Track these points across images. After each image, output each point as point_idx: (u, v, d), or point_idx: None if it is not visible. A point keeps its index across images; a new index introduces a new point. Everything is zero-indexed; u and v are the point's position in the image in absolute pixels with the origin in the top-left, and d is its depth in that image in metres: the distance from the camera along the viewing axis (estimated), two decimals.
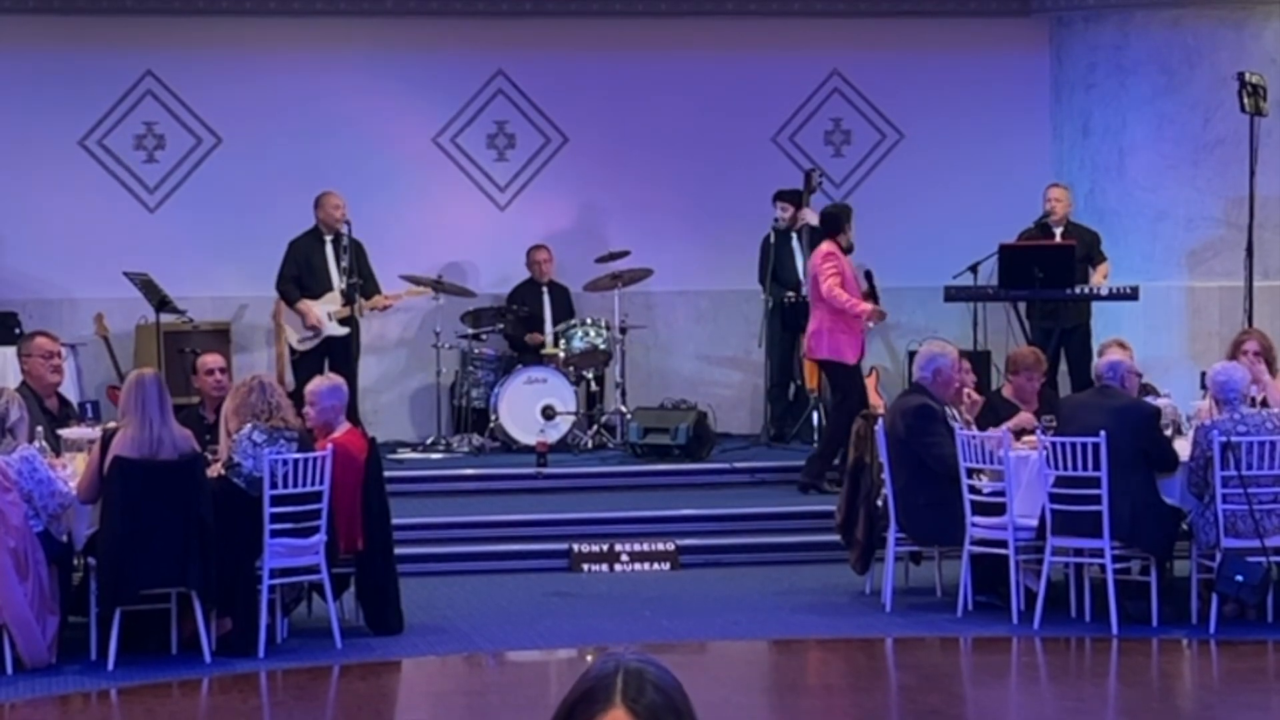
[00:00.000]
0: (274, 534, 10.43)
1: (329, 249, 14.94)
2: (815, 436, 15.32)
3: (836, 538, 12.19)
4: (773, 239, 15.65)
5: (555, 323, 15.78)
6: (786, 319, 15.49)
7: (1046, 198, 15.46)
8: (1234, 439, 10.74)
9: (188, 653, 10.45)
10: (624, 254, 15.64)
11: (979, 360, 14.74)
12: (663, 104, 16.26)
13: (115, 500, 10.12)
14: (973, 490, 11.27)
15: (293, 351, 14.95)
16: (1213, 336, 15.36)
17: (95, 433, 10.97)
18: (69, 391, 12.80)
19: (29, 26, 15.44)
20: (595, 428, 15.34)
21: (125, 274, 14.74)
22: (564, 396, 15.07)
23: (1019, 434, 11.61)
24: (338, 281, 14.86)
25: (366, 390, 15.53)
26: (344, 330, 14.81)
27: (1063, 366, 15.06)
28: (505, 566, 12.83)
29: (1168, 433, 11.51)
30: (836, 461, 13.57)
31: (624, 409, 15.34)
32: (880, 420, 11.79)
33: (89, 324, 15.23)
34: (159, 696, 9.86)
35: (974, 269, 15.53)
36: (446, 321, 15.42)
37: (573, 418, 15.07)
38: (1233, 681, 10.29)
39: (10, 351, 13.46)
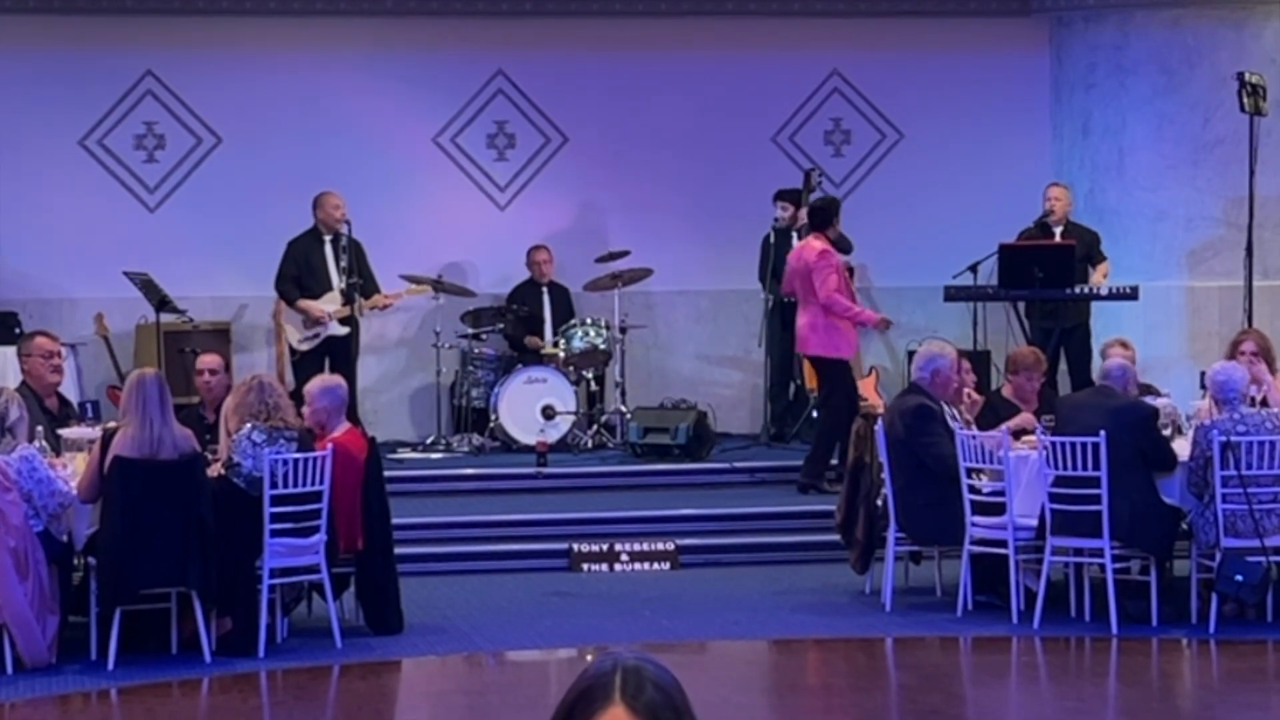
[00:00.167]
0: (274, 534, 10.43)
1: (328, 249, 14.93)
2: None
3: (836, 537, 12.19)
4: (772, 238, 15.65)
5: (555, 323, 15.78)
6: (786, 318, 15.47)
7: (1046, 197, 15.47)
8: (1234, 439, 10.74)
9: (188, 652, 10.45)
10: (624, 254, 15.65)
11: (979, 360, 14.75)
12: (663, 104, 16.27)
13: (115, 500, 10.12)
14: (972, 490, 11.27)
15: (293, 351, 14.95)
16: (1212, 336, 15.37)
17: (95, 432, 10.97)
18: (69, 391, 12.80)
19: (29, 26, 15.45)
20: (595, 427, 15.34)
21: (125, 274, 14.75)
22: (564, 396, 15.08)
23: (1018, 434, 11.61)
24: (337, 281, 14.86)
25: (366, 390, 15.53)
26: (344, 330, 14.81)
27: (1062, 366, 15.06)
28: (505, 566, 12.83)
29: (1167, 432, 11.52)
30: (834, 461, 13.57)
31: (624, 409, 15.34)
32: (880, 420, 11.79)
33: (89, 324, 15.23)
34: (159, 696, 9.86)
35: (974, 269, 15.53)
36: (446, 321, 15.42)
37: (573, 417, 15.08)
38: (1232, 681, 10.29)
39: (10, 351, 13.46)
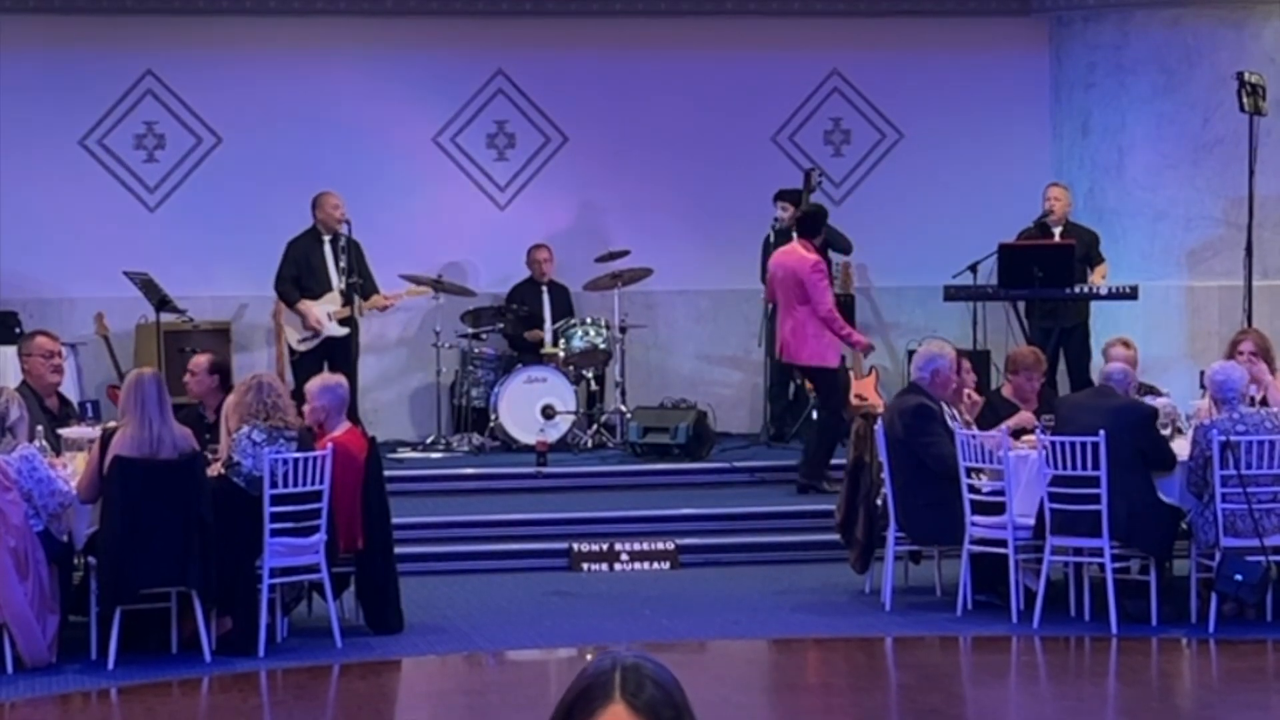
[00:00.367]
0: (274, 533, 10.44)
1: (327, 249, 14.93)
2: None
3: (836, 537, 12.20)
4: (773, 239, 15.64)
5: (555, 322, 15.78)
6: None
7: (1046, 196, 15.47)
8: (1233, 438, 10.75)
9: (188, 652, 10.45)
10: (624, 253, 15.66)
11: (978, 360, 14.75)
12: (663, 104, 16.27)
13: (115, 500, 10.12)
14: (972, 490, 11.27)
15: (292, 352, 14.95)
16: (1212, 336, 15.37)
17: (95, 432, 10.97)
18: (69, 391, 12.80)
19: (29, 26, 15.45)
20: (595, 427, 15.35)
21: (125, 273, 14.75)
22: (564, 396, 15.08)
23: (1018, 433, 11.62)
24: (336, 282, 14.86)
25: (366, 390, 15.54)
26: (343, 330, 14.81)
27: (1061, 366, 15.06)
28: (505, 566, 12.84)
29: (1167, 432, 11.52)
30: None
31: (624, 408, 15.35)
32: (879, 420, 11.79)
33: (89, 323, 15.23)
34: (159, 696, 9.86)
35: (973, 268, 15.54)
36: (446, 321, 15.43)
37: (572, 417, 15.08)
38: (1232, 681, 10.29)
39: (10, 351, 13.46)
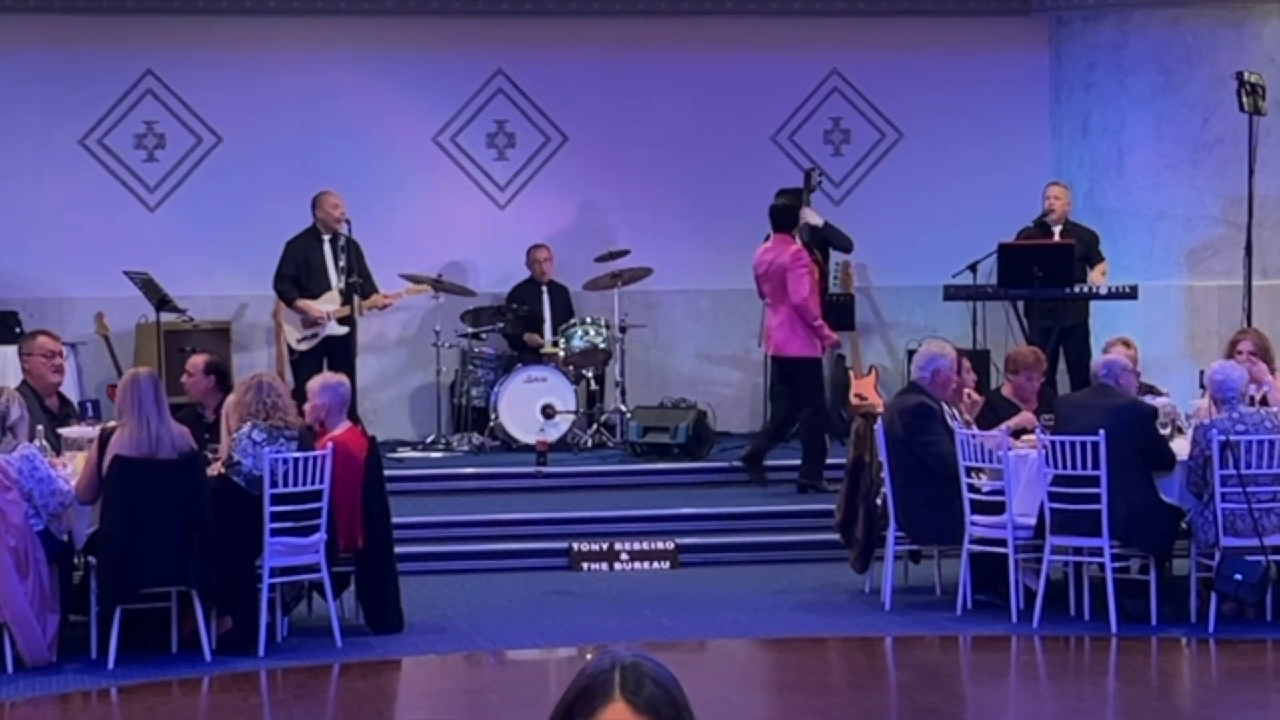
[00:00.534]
0: (274, 533, 10.44)
1: (327, 248, 14.94)
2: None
3: (836, 537, 12.20)
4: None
5: (555, 322, 15.79)
6: None
7: (1045, 195, 15.48)
8: (1233, 438, 10.75)
9: (188, 651, 10.46)
10: (624, 253, 15.66)
11: (978, 359, 14.75)
12: (663, 104, 16.27)
13: (115, 499, 10.12)
14: (972, 489, 11.28)
15: (291, 351, 14.96)
16: (1211, 335, 15.37)
17: (95, 432, 10.97)
18: (69, 390, 12.80)
19: (29, 26, 15.46)
20: (595, 427, 15.35)
21: (125, 273, 14.76)
22: (564, 395, 15.09)
23: (1018, 433, 11.62)
24: (336, 281, 14.86)
25: (366, 389, 15.54)
26: (343, 330, 14.81)
27: (1061, 365, 15.07)
28: (505, 565, 12.84)
29: (1167, 432, 11.52)
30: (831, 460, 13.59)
31: (624, 408, 15.35)
32: (879, 419, 11.79)
33: (89, 323, 15.24)
34: (159, 695, 9.86)
35: (973, 268, 15.54)
36: (446, 320, 15.43)
37: (572, 417, 15.09)
38: (1231, 680, 10.30)
39: (10, 351, 13.47)
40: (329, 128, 15.80)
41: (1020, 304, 15.34)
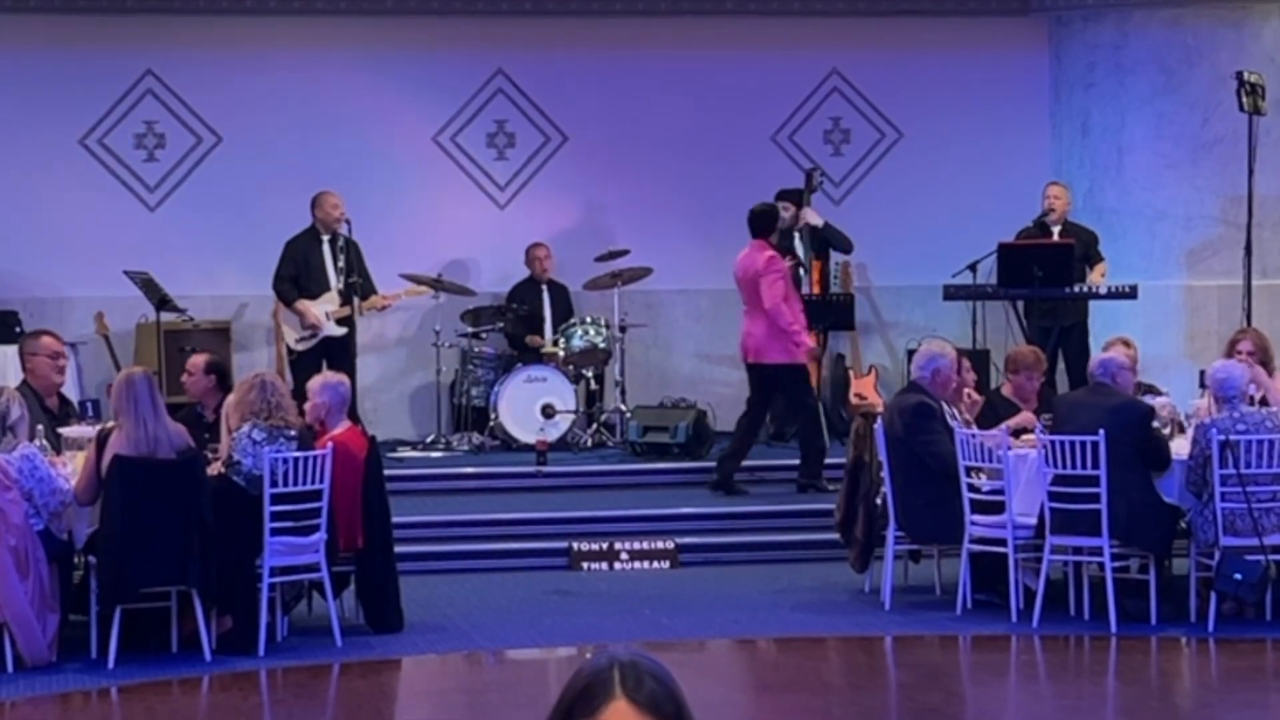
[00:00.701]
0: (274, 532, 10.44)
1: (326, 248, 14.94)
2: (815, 436, 15.31)
3: (836, 536, 12.21)
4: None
5: (555, 321, 15.79)
6: None
7: (1045, 195, 15.49)
8: (1233, 437, 10.75)
9: (188, 651, 10.46)
10: (624, 253, 15.67)
11: (978, 359, 14.75)
12: (663, 103, 16.28)
13: (115, 499, 10.12)
14: (972, 489, 11.28)
15: (290, 351, 14.96)
16: (1211, 335, 15.38)
17: (95, 431, 10.97)
18: (69, 390, 12.79)
19: (29, 26, 15.46)
20: (595, 426, 15.36)
21: (126, 273, 14.76)
22: (564, 395, 15.09)
23: (1018, 433, 11.62)
24: (335, 281, 14.87)
25: (366, 389, 15.55)
26: (342, 330, 14.81)
27: (1061, 365, 15.07)
28: (505, 565, 12.85)
29: (1167, 431, 11.52)
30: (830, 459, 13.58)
31: (623, 407, 15.36)
32: (879, 419, 11.80)
33: (89, 323, 15.24)
34: (159, 694, 9.87)
35: (973, 268, 15.55)
36: (446, 320, 15.44)
37: (572, 416, 15.09)
38: (1231, 680, 10.29)
39: (11, 350, 13.47)
40: (329, 128, 15.81)
41: (1020, 304, 15.34)
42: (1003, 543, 11.17)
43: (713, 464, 14.58)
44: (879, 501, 11.67)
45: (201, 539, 10.19)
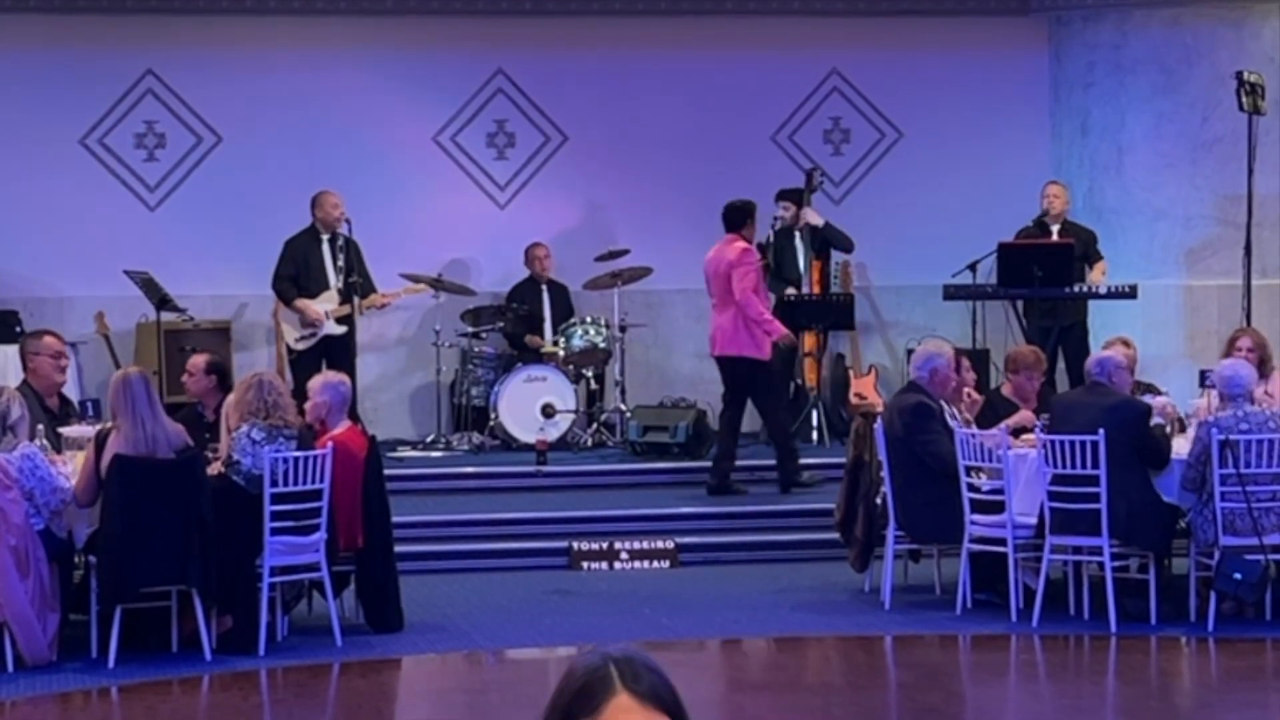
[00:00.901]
0: (274, 532, 10.45)
1: (325, 248, 14.94)
2: (815, 435, 15.34)
3: (835, 536, 12.21)
4: (773, 238, 15.65)
5: (555, 321, 15.79)
6: (785, 317, 15.46)
7: (1044, 194, 15.50)
8: (1234, 436, 10.75)
9: (188, 650, 10.46)
10: (624, 252, 15.67)
11: (978, 359, 14.75)
12: (663, 103, 16.28)
13: (115, 499, 10.13)
14: (972, 488, 11.28)
15: (291, 351, 14.96)
16: (1211, 335, 15.38)
17: (95, 431, 10.97)
18: (69, 389, 12.80)
19: (29, 26, 15.46)
20: (595, 426, 15.36)
21: (126, 272, 14.77)
22: (564, 395, 15.09)
23: (1018, 432, 11.62)
24: (334, 280, 14.87)
25: (366, 389, 15.54)
26: (341, 329, 14.82)
27: (1060, 364, 15.07)
28: (505, 564, 12.85)
29: (1167, 430, 11.52)
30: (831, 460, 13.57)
31: (623, 407, 15.36)
32: (879, 418, 11.80)
33: (89, 322, 15.25)
34: (159, 694, 9.87)
35: (973, 267, 15.55)
36: (446, 320, 15.44)
37: (572, 416, 15.09)
38: (1231, 679, 10.30)
39: (11, 350, 13.47)
40: (329, 128, 15.81)
41: (1020, 303, 15.34)
42: (1002, 542, 11.17)
43: (712, 463, 14.57)
44: (879, 501, 11.68)
45: (201, 539, 10.20)
